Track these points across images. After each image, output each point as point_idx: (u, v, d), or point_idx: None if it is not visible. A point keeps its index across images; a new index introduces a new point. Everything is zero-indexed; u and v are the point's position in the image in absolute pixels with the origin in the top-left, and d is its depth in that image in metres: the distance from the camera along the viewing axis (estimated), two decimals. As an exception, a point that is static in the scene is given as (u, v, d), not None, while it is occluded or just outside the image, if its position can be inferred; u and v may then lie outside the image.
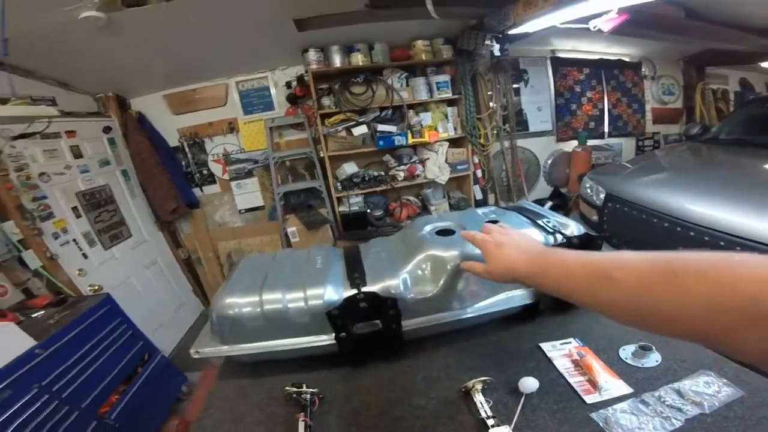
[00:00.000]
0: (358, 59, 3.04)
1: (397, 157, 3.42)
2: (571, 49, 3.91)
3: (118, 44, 2.34)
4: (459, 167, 3.46)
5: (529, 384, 0.70)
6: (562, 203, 3.91)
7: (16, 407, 1.41)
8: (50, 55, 2.29)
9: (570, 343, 0.83)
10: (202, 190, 3.55)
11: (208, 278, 3.72)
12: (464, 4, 2.58)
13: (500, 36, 2.93)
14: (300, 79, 3.19)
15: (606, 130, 4.22)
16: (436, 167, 3.34)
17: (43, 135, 2.18)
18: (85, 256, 2.48)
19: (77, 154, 2.63)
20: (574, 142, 4.01)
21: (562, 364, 0.78)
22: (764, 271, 0.34)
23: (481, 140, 3.57)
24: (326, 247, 1.06)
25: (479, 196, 3.68)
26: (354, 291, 0.82)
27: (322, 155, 3.21)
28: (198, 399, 2.18)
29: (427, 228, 0.98)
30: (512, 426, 0.63)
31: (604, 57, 4.02)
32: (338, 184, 3.30)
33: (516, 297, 0.89)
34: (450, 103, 3.44)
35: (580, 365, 0.76)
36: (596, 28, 2.28)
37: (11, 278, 1.97)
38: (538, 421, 0.66)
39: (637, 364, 0.75)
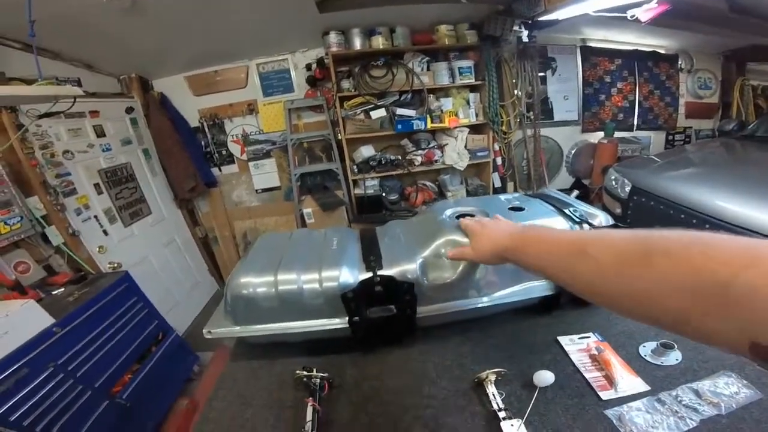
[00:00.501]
0: (379, 42, 2.99)
1: (415, 141, 3.38)
2: (602, 38, 3.76)
3: (142, 26, 2.36)
4: (479, 154, 3.40)
5: (545, 377, 0.68)
6: (583, 195, 3.82)
7: (31, 386, 1.43)
8: (75, 37, 2.32)
9: (589, 337, 0.81)
10: (220, 170, 3.60)
11: (224, 258, 3.78)
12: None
13: (529, 22, 2.84)
14: (320, 61, 3.16)
15: (635, 122, 4.08)
16: (455, 153, 3.29)
17: (68, 114, 2.21)
18: (105, 233, 2.54)
19: (100, 133, 2.68)
20: (600, 134, 3.89)
21: (579, 359, 0.76)
22: (739, 252, 0.32)
23: (503, 127, 3.49)
24: (343, 229, 1.04)
25: (498, 184, 3.62)
26: (370, 274, 0.80)
27: (339, 138, 3.20)
28: (208, 380, 2.22)
29: (448, 212, 0.96)
30: (524, 419, 0.61)
31: (638, 48, 3.86)
32: (355, 166, 3.29)
33: (535, 288, 0.86)
34: (472, 89, 3.36)
35: (597, 360, 0.74)
36: (634, 18, 2.19)
37: (34, 255, 2.02)
38: (550, 415, 0.65)
39: (656, 362, 0.73)
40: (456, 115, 3.22)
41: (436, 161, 3.33)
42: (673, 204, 2.11)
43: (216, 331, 0.83)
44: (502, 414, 0.62)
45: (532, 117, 3.66)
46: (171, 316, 2.50)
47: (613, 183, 2.67)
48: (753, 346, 0.29)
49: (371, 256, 0.85)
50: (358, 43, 2.99)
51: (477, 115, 3.34)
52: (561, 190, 1.10)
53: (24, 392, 1.40)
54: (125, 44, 2.56)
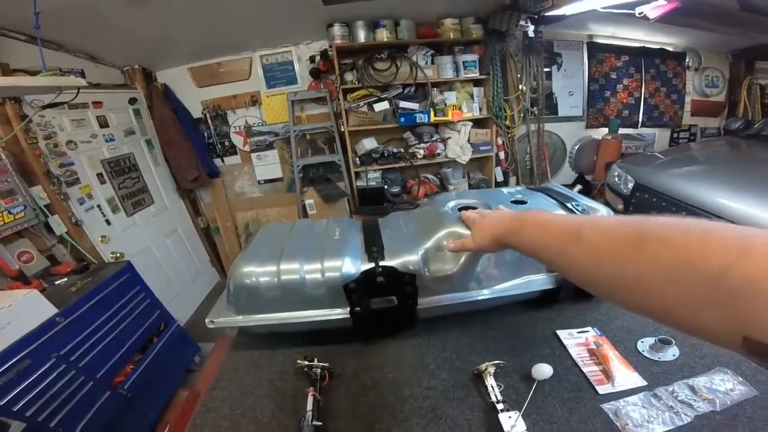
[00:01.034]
0: (383, 35, 2.97)
1: (418, 134, 3.38)
2: (610, 35, 3.73)
3: (146, 18, 2.35)
4: (482, 148, 3.38)
5: (543, 371, 0.69)
6: (586, 190, 3.81)
7: (34, 377, 1.42)
8: (80, 28, 2.32)
9: (588, 332, 0.81)
10: (223, 161, 3.60)
11: (226, 248, 3.80)
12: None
13: (535, 17, 2.82)
14: (324, 53, 3.15)
15: (640, 119, 4.06)
16: (458, 147, 3.28)
17: (71, 105, 2.21)
18: (108, 222, 2.55)
19: (103, 123, 2.69)
20: (605, 130, 3.88)
21: (577, 353, 0.76)
22: (735, 242, 0.30)
23: (507, 122, 3.48)
24: (345, 219, 1.03)
25: (500, 178, 3.61)
26: (372, 264, 0.80)
27: (342, 130, 3.20)
28: (209, 370, 2.23)
29: (450, 204, 0.95)
30: (521, 412, 0.62)
31: (646, 45, 3.82)
32: (357, 158, 3.29)
33: (536, 281, 0.86)
34: (477, 83, 3.34)
35: (595, 355, 0.75)
36: (642, 15, 2.16)
37: (37, 245, 2.03)
38: (548, 408, 0.65)
39: (654, 358, 0.73)
40: (459, 108, 3.20)
41: (438, 154, 3.32)
42: (676, 201, 2.11)
43: (218, 321, 0.83)
44: (500, 406, 0.63)
45: (536, 112, 3.64)
46: (173, 307, 2.52)
47: (616, 179, 2.66)
48: (746, 341, 0.28)
49: (373, 246, 0.85)
50: (362, 36, 2.97)
51: (480, 109, 3.32)
52: (564, 186, 1.10)
53: (27, 383, 1.39)
54: (129, 36, 2.55)
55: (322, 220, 1.04)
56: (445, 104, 3.19)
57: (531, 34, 3.08)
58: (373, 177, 3.33)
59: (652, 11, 2.10)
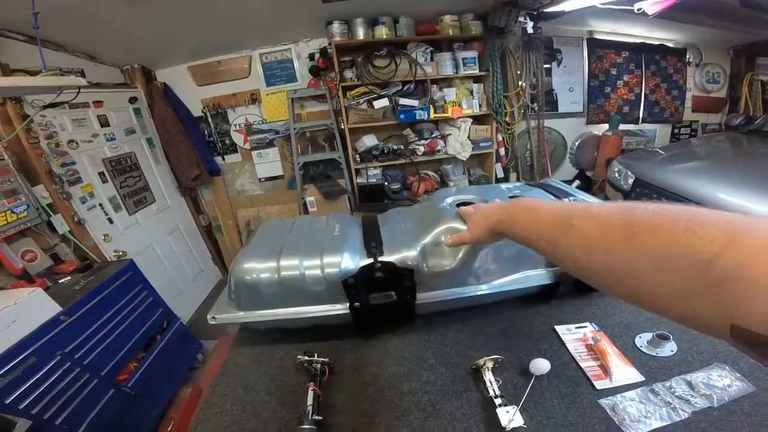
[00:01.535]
0: (383, 32, 2.97)
1: (418, 131, 3.38)
2: (610, 31, 3.71)
3: (145, 17, 2.35)
4: (482, 144, 3.38)
5: (541, 366, 0.69)
6: (586, 186, 3.80)
7: (39, 374, 1.44)
8: (79, 28, 2.32)
9: (586, 327, 0.82)
10: (223, 159, 3.61)
11: (227, 246, 3.82)
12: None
13: (535, 13, 2.80)
14: (323, 51, 3.15)
15: (641, 115, 4.04)
16: (458, 143, 3.28)
17: (72, 105, 2.22)
18: (110, 221, 2.56)
19: (104, 123, 2.69)
20: (605, 126, 3.86)
21: (575, 348, 0.77)
22: (722, 230, 0.30)
23: (507, 118, 3.47)
24: (344, 215, 1.04)
25: (501, 174, 3.61)
26: (371, 260, 0.80)
27: (342, 127, 3.20)
28: (212, 367, 2.25)
29: (449, 200, 0.96)
30: (519, 406, 0.62)
31: (646, 41, 3.80)
32: (357, 156, 3.29)
33: (534, 276, 0.87)
34: (476, 79, 3.33)
35: (593, 350, 0.75)
36: (640, 11, 2.15)
37: (40, 244, 2.04)
38: (545, 403, 0.66)
39: (651, 353, 0.74)
40: (459, 105, 3.20)
41: (438, 151, 3.32)
42: (676, 197, 2.11)
43: (220, 317, 0.84)
44: (498, 401, 0.63)
45: (536, 108, 3.63)
46: (175, 305, 2.53)
47: (617, 175, 2.66)
48: (734, 329, 0.28)
49: (372, 242, 0.85)
50: (361, 33, 2.96)
51: (480, 106, 3.32)
52: (563, 182, 1.11)
53: (32, 381, 1.41)
54: (128, 35, 2.56)
55: (322, 216, 1.04)
56: (445, 101, 3.19)
57: (530, 30, 3.07)
58: (373, 174, 3.35)
59: (650, 7, 2.09)
